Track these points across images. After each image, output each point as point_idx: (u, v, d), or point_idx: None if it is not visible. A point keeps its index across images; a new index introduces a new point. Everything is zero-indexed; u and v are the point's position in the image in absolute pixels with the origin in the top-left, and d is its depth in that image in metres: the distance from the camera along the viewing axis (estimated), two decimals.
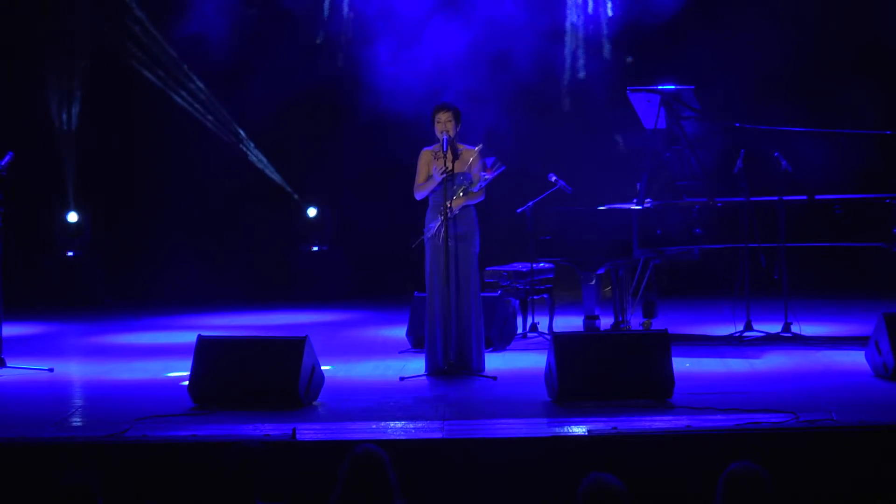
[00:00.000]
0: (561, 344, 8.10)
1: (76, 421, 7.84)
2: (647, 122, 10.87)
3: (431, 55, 12.09)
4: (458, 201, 9.17)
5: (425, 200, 9.32)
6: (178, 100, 14.93)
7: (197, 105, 14.95)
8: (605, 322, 10.85)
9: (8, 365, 9.64)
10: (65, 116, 14.95)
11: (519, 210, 11.04)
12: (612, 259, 10.49)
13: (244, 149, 15.02)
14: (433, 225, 9.19)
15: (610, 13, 14.29)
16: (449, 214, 9.11)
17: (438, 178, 9.12)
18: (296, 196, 15.25)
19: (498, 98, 13.04)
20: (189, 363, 8.23)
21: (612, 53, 14.48)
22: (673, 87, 10.84)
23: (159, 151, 14.99)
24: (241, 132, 15.07)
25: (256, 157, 15.11)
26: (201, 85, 14.99)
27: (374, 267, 14.96)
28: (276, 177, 15.25)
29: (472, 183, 9.22)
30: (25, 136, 14.52)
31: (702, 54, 13.54)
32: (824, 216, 10.36)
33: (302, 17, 14.36)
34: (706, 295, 12.84)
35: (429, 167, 9.26)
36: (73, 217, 15.01)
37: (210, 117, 14.98)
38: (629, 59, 14.39)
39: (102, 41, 14.59)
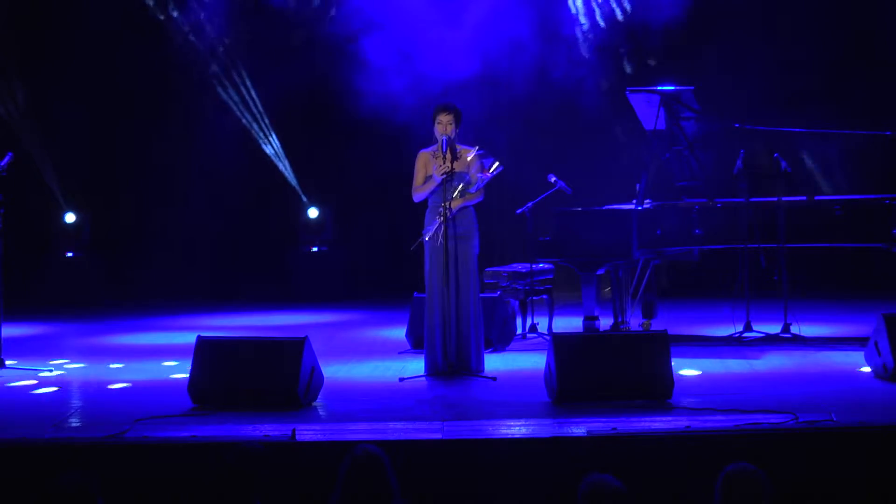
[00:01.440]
0: (560, 344, 8.09)
1: (76, 422, 7.82)
2: (647, 123, 10.86)
3: (432, 56, 12.11)
4: (456, 202, 9.16)
5: (424, 202, 9.31)
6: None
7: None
8: (605, 322, 10.84)
9: (8, 365, 9.65)
10: (61, 115, 14.95)
11: (519, 211, 11.04)
12: (612, 259, 10.48)
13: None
14: (433, 226, 9.17)
15: (620, 16, 14.31)
16: (448, 215, 9.10)
17: (438, 179, 9.11)
18: (304, 198, 15.25)
19: (498, 99, 13.05)
20: (189, 363, 8.23)
21: (613, 56, 14.48)
22: (672, 87, 10.83)
23: (159, 152, 14.98)
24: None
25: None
26: (210, 80, 14.99)
27: (373, 267, 14.97)
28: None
29: (470, 184, 9.21)
30: (25, 137, 14.53)
31: (704, 57, 13.56)
32: (824, 217, 10.35)
33: (311, 18, 14.41)
34: (706, 295, 12.83)
35: (426, 169, 9.25)
36: (70, 217, 15.00)
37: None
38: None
39: (102, 36, 14.59)
